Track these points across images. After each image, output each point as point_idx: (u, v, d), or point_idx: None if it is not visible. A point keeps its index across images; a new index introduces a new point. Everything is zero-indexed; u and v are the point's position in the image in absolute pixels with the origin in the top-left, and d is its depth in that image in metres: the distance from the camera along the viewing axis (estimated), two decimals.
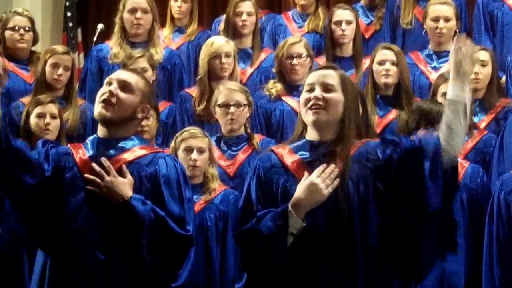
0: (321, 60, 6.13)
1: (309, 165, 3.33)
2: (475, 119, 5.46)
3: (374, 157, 3.30)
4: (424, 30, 6.06)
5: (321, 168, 3.27)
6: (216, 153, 5.22)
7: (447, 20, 5.93)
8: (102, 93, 3.60)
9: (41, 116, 5.43)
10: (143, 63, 5.70)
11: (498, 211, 4.50)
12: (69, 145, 3.73)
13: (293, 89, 5.86)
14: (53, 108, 5.46)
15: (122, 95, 3.59)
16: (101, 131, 3.63)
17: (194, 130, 5.00)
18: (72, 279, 3.50)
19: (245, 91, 5.40)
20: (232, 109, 5.25)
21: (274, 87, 5.87)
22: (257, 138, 5.42)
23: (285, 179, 3.35)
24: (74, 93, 5.89)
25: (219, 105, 5.29)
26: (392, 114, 5.53)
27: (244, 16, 6.30)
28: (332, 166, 3.27)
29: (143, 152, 3.61)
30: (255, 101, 5.68)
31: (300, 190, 3.27)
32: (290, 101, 5.84)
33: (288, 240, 3.25)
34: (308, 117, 3.35)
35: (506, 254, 4.44)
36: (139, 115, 3.65)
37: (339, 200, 3.24)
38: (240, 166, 5.31)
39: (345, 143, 3.31)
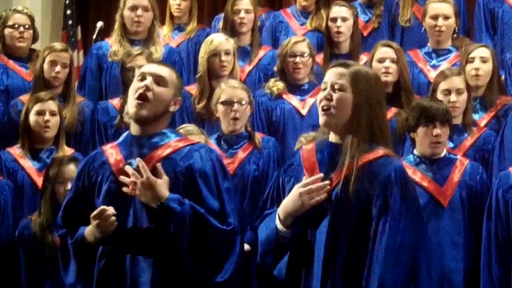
0: (319, 58, 6.12)
1: (321, 168, 3.27)
2: (476, 117, 5.45)
3: (377, 181, 3.19)
4: (423, 28, 6.05)
5: (311, 179, 3.21)
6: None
7: (446, 18, 5.92)
8: (137, 88, 3.49)
9: (40, 113, 5.40)
10: (141, 60, 5.64)
11: (496, 208, 4.50)
12: (102, 148, 3.64)
13: (294, 87, 5.85)
14: (52, 105, 5.44)
15: (157, 89, 3.49)
16: (134, 128, 3.53)
17: (190, 127, 4.99)
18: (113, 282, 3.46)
19: (246, 89, 5.38)
20: (235, 106, 5.23)
21: (275, 85, 5.84)
22: (258, 136, 5.41)
23: (296, 178, 3.31)
24: (73, 91, 5.87)
25: (221, 103, 5.27)
26: (391, 112, 5.50)
27: (242, 14, 6.28)
28: (326, 182, 3.19)
29: (178, 145, 3.52)
30: (256, 98, 5.67)
31: (288, 196, 3.23)
32: (291, 99, 5.83)
33: (280, 242, 3.24)
34: (319, 119, 3.30)
35: (504, 251, 4.44)
36: (171, 108, 3.55)
37: (336, 207, 3.20)
38: (240, 165, 5.29)
39: (352, 146, 3.22)
